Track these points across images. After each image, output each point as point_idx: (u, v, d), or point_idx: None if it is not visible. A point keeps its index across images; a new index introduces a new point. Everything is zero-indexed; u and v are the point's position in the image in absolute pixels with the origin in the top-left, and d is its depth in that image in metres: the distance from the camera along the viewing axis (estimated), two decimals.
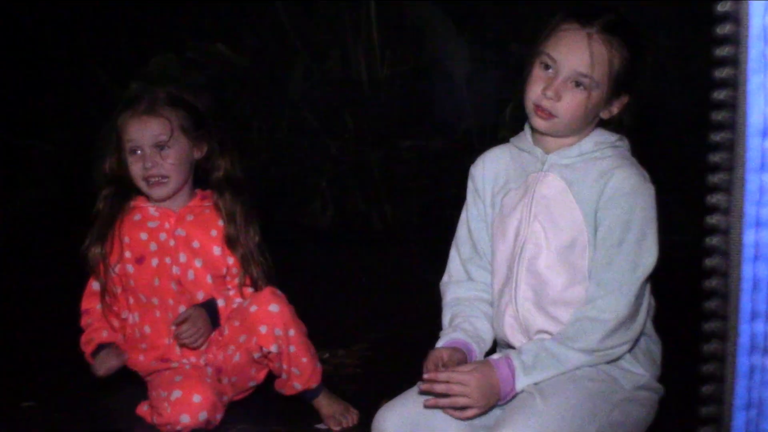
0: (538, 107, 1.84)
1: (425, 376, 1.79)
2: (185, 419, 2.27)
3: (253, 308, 2.37)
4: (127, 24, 4.32)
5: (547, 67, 1.83)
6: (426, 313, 2.16)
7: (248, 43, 4.28)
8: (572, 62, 1.81)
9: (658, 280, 1.83)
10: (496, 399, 1.76)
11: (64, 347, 2.62)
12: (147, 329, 2.44)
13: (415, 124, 4.29)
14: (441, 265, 2.07)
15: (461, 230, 2.02)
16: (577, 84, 1.81)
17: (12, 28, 4.29)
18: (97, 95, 4.26)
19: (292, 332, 2.36)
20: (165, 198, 2.44)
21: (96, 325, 2.47)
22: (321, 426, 2.42)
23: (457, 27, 4.10)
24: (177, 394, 2.28)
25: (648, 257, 1.79)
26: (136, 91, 2.46)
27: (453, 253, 2.03)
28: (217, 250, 2.47)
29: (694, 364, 1.07)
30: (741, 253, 1.01)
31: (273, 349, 2.34)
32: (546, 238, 1.85)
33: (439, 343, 1.91)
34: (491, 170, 1.97)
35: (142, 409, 2.42)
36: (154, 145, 2.38)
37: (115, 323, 2.48)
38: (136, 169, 2.40)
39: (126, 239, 2.43)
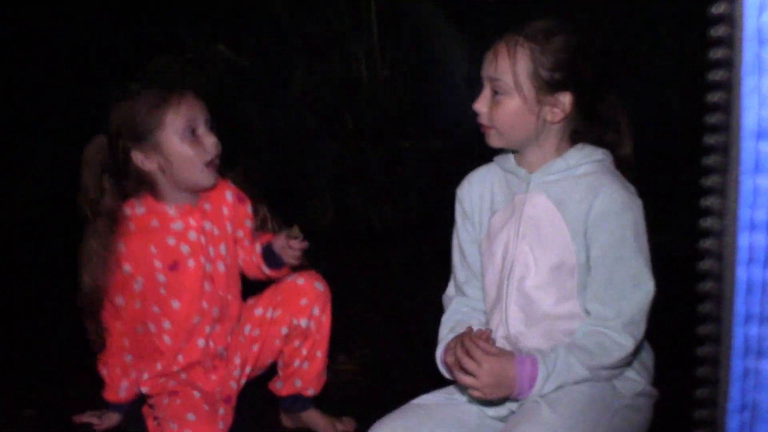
0: (480, 125, 1.88)
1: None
2: None
3: (300, 281, 2.38)
4: (127, 24, 4.31)
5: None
6: (427, 316, 2.15)
7: (248, 43, 4.28)
8: (484, 70, 1.86)
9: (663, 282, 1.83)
10: (507, 393, 1.75)
11: (66, 355, 2.62)
12: (168, 339, 2.36)
13: (415, 124, 4.29)
14: (440, 265, 2.07)
15: (455, 255, 2.03)
16: (495, 90, 1.84)
17: (11, 27, 4.28)
18: (97, 96, 4.25)
19: (324, 318, 2.36)
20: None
21: (117, 362, 2.41)
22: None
23: (457, 27, 4.10)
24: None
25: (648, 281, 1.80)
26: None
27: (451, 277, 2.04)
28: (229, 227, 2.41)
29: (687, 368, 1.07)
30: (735, 256, 1.00)
31: (302, 323, 2.34)
32: (534, 259, 1.85)
33: (441, 346, 1.92)
34: (478, 191, 1.98)
35: (148, 409, 2.39)
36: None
37: (126, 343, 2.42)
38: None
39: (153, 249, 2.33)
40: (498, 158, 1.97)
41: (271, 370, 2.47)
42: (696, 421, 1.05)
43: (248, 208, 2.44)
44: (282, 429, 2.46)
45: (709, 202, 1.02)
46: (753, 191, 1.00)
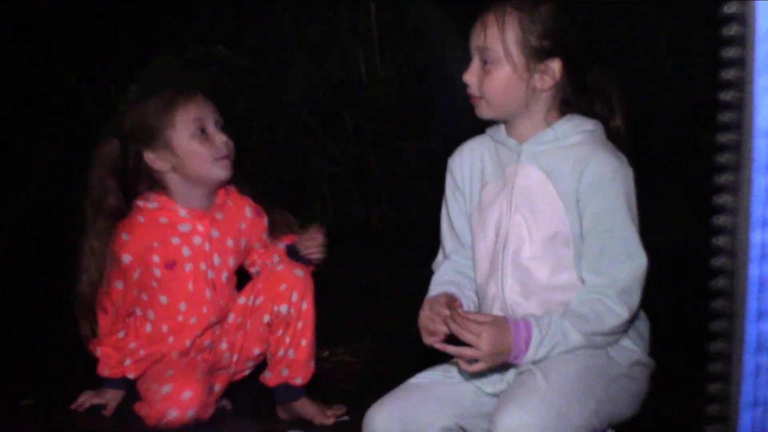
0: (470, 96, 1.87)
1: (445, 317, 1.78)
2: (173, 414, 2.25)
3: (280, 267, 2.38)
4: (127, 25, 4.31)
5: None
6: None
7: (248, 44, 4.28)
8: (473, 41, 1.85)
9: (662, 281, 1.83)
10: (504, 359, 1.76)
11: (64, 345, 2.62)
12: (164, 328, 2.40)
13: (415, 124, 4.29)
14: None
15: (444, 226, 2.02)
16: (485, 60, 1.84)
17: (11, 28, 4.28)
18: (97, 96, 4.26)
19: (305, 305, 2.36)
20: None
21: (113, 341, 2.43)
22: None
23: (457, 27, 4.10)
24: (167, 388, 2.26)
25: (640, 250, 1.80)
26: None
27: (440, 247, 2.05)
28: (243, 243, 2.45)
29: (683, 341, 1.08)
30: (747, 253, 1.01)
31: (282, 309, 2.34)
32: (528, 230, 1.85)
33: (431, 294, 1.92)
34: (469, 162, 1.97)
35: (140, 404, 2.41)
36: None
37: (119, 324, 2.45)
38: None
39: (155, 243, 2.36)
40: (489, 129, 1.96)
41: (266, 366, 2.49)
42: (708, 417, 1.06)
43: (265, 221, 2.50)
44: (278, 421, 2.46)
45: (721, 199, 1.03)
46: (765, 189, 1.01)
